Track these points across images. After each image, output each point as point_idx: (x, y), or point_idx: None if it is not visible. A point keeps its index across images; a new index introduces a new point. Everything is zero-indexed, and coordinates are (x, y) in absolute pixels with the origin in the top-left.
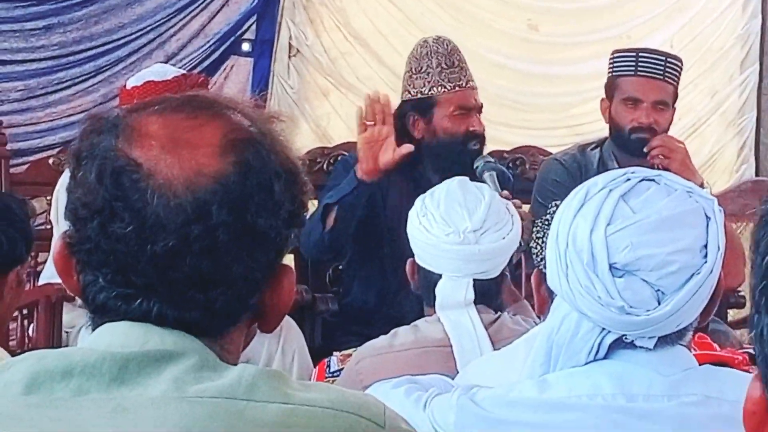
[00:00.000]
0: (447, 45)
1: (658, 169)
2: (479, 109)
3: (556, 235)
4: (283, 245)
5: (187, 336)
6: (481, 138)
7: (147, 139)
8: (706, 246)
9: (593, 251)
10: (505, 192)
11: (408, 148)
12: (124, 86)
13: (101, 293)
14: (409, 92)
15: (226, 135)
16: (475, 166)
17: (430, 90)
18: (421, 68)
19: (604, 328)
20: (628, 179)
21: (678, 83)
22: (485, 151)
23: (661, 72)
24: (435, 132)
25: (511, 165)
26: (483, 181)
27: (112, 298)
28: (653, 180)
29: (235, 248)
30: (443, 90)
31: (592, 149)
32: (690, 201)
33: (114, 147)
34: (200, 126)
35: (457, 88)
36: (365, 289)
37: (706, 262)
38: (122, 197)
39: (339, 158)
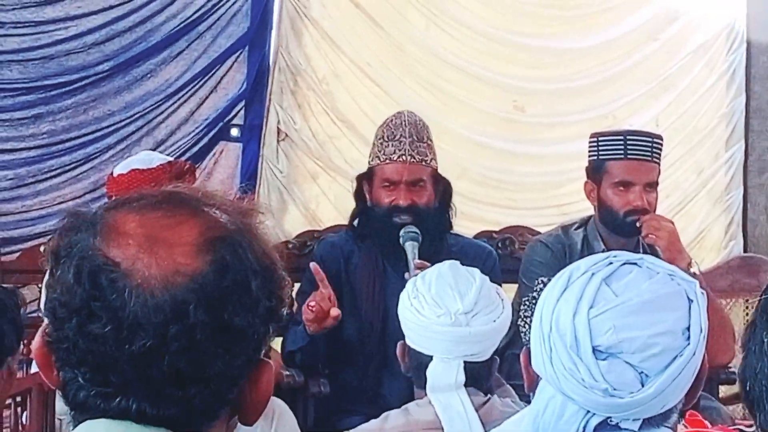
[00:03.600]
0: (412, 118)
1: (647, 245)
2: (413, 182)
3: (540, 318)
4: (261, 341)
5: None
6: (408, 211)
7: (125, 237)
8: (688, 328)
9: (576, 334)
10: (419, 261)
11: (336, 312)
12: (112, 174)
13: (81, 391)
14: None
15: (203, 233)
16: (399, 235)
17: (372, 159)
18: (377, 137)
19: (588, 411)
20: (611, 263)
21: (660, 161)
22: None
23: (649, 153)
24: (372, 201)
25: (500, 245)
26: (404, 250)
27: (92, 396)
28: (635, 263)
29: (213, 346)
30: (377, 161)
31: (575, 229)
32: (672, 284)
33: (92, 246)
34: (177, 224)
35: (387, 161)
36: (351, 368)
37: (688, 344)
38: (100, 297)
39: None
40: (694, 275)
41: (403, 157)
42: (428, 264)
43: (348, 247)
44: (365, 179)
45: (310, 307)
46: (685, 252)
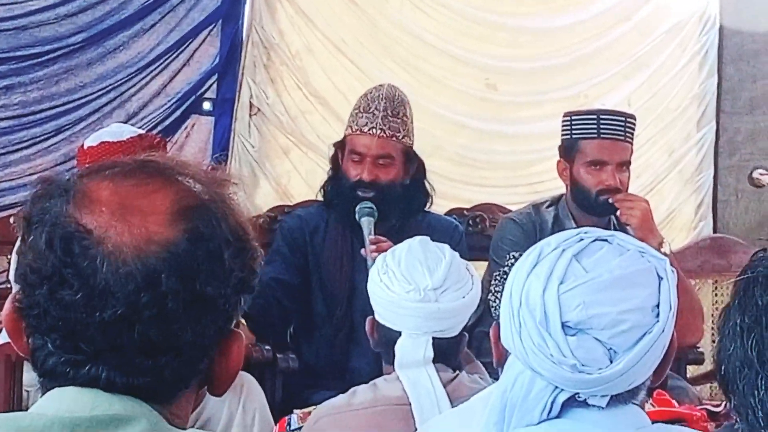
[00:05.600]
0: (391, 92)
1: (618, 224)
2: (380, 157)
3: (510, 294)
4: (233, 312)
5: (135, 401)
6: (371, 186)
7: (98, 205)
8: (658, 305)
9: (546, 310)
10: (374, 237)
11: None
12: (82, 146)
13: (50, 358)
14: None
15: (176, 202)
16: (356, 211)
17: (347, 128)
18: (354, 106)
19: (557, 387)
20: (581, 239)
21: (633, 141)
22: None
23: (622, 133)
24: (342, 171)
25: (471, 222)
26: (360, 226)
27: (61, 364)
28: (606, 240)
29: (184, 316)
30: (350, 131)
31: (546, 207)
32: (642, 261)
33: (64, 213)
34: (151, 193)
35: (358, 132)
36: (318, 343)
37: (657, 321)
38: (72, 264)
39: (279, 223)
40: (665, 255)
41: (374, 130)
42: (383, 239)
43: (314, 220)
44: (339, 148)
45: None
46: (657, 231)
